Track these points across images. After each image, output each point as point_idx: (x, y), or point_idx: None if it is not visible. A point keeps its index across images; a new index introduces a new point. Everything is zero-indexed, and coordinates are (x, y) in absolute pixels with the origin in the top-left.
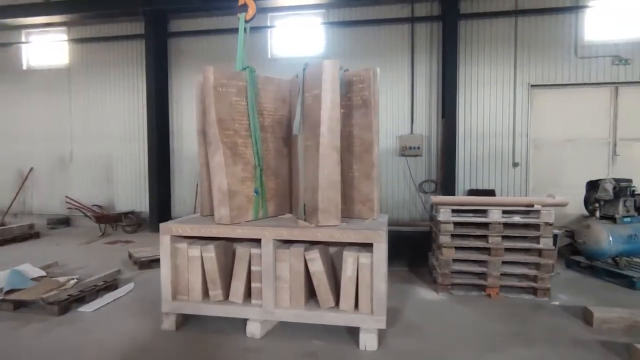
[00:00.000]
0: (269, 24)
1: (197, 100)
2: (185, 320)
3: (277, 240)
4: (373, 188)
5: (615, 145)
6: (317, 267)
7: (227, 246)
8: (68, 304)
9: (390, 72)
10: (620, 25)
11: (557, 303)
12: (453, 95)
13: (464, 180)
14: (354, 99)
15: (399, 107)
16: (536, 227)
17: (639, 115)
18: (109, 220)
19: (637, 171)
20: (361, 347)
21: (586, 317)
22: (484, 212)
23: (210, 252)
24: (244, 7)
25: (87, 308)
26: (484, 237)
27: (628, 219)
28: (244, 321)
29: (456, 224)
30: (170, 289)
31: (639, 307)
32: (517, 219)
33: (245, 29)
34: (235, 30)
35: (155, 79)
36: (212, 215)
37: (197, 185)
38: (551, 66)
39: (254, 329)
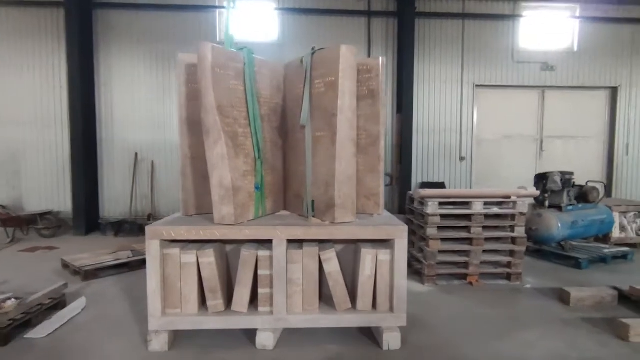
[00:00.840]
0: (217, 4)
1: (180, 82)
2: (175, 338)
3: (288, 240)
4: (379, 182)
5: (542, 142)
6: (334, 267)
7: (221, 249)
8: (10, 331)
9: None
10: (547, 36)
11: (529, 286)
12: (409, 91)
13: (417, 174)
14: (360, 89)
15: None
16: (512, 217)
17: (560, 115)
18: (21, 222)
19: (558, 165)
20: (384, 347)
21: (562, 297)
22: (467, 204)
23: (209, 257)
24: None
25: (36, 334)
26: (465, 228)
27: (571, 207)
28: (245, 332)
29: (441, 216)
30: (160, 302)
31: (592, 284)
32: (495, 209)
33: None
34: (176, 7)
35: (79, 56)
36: (199, 214)
37: (134, 181)
38: (493, 68)
39: (265, 340)
